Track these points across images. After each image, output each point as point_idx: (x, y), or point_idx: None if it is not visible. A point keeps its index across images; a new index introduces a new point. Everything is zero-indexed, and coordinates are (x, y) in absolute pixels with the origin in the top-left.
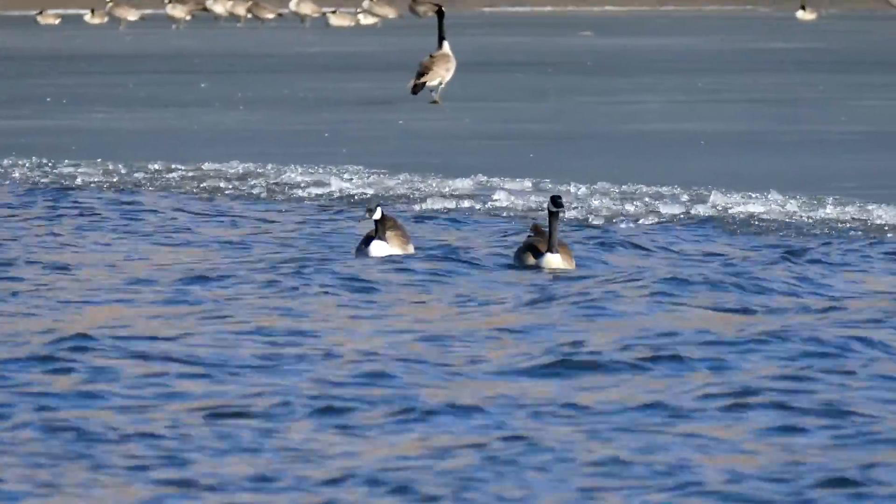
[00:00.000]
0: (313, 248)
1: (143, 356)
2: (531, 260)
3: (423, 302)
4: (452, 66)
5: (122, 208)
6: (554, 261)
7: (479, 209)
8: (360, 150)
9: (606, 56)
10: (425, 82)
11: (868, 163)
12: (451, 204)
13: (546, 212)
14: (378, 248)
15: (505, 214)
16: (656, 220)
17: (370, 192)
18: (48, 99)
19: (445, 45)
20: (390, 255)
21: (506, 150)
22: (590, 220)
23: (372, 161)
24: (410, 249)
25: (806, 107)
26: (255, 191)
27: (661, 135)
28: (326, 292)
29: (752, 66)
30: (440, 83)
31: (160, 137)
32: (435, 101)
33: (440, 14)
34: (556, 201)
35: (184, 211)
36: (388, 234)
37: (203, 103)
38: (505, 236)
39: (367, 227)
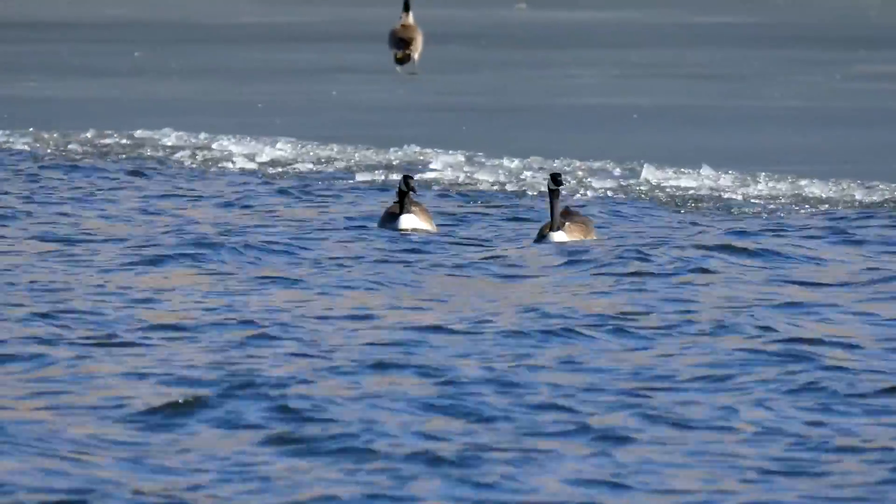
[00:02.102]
0: (239, 219)
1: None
2: (545, 237)
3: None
4: (422, 37)
5: (55, 177)
6: (557, 238)
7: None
8: (294, 121)
9: (541, 29)
10: (410, 53)
11: (802, 139)
12: (383, 176)
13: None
14: (408, 221)
15: (440, 186)
16: (591, 194)
17: (304, 162)
18: None
19: (411, 14)
20: (417, 229)
21: (440, 122)
22: (526, 193)
23: (306, 132)
24: (434, 227)
25: (740, 82)
26: (187, 161)
27: (595, 109)
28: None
29: (688, 41)
30: (418, 55)
31: (93, 107)
32: (414, 73)
33: None
34: (555, 179)
35: (114, 180)
36: (415, 209)
37: (137, 73)
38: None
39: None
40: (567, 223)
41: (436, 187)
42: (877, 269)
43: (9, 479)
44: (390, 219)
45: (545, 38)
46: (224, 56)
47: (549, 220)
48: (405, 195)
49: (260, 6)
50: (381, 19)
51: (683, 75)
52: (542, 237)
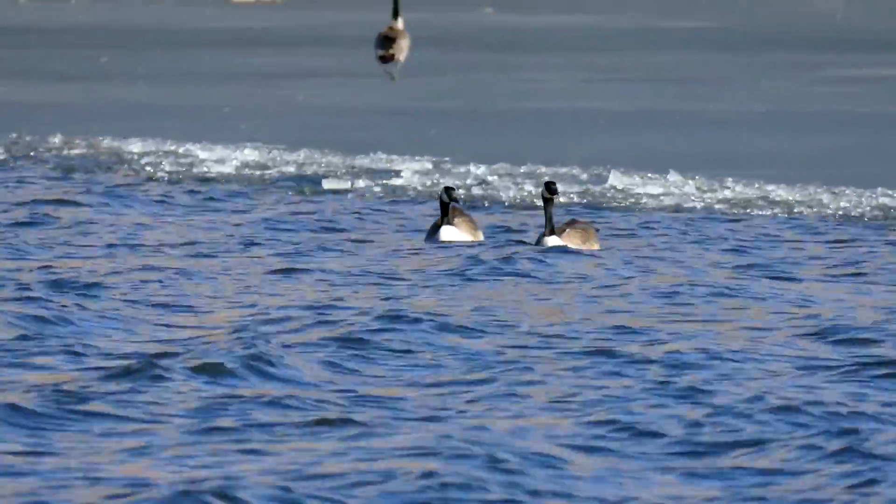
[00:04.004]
0: (210, 226)
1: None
2: (540, 242)
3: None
4: (409, 42)
5: (21, 182)
6: (551, 242)
7: (379, 188)
8: (260, 125)
9: (507, 33)
10: (394, 54)
11: (769, 143)
12: (351, 183)
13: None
14: (448, 233)
15: (408, 193)
16: (562, 199)
17: (271, 167)
18: None
19: (400, 20)
20: (460, 241)
21: (406, 126)
22: (496, 197)
23: (272, 137)
24: (480, 236)
25: (707, 86)
26: (154, 166)
27: (562, 113)
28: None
29: (653, 45)
30: (402, 58)
31: (60, 112)
32: (393, 78)
33: None
34: (549, 188)
35: (82, 184)
36: (457, 220)
37: (103, 78)
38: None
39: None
40: (568, 229)
41: (408, 193)
42: (846, 266)
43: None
44: (434, 231)
45: (512, 42)
46: (190, 61)
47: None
48: (446, 206)
49: (225, 11)
50: (346, 23)
51: (650, 79)
52: (538, 243)
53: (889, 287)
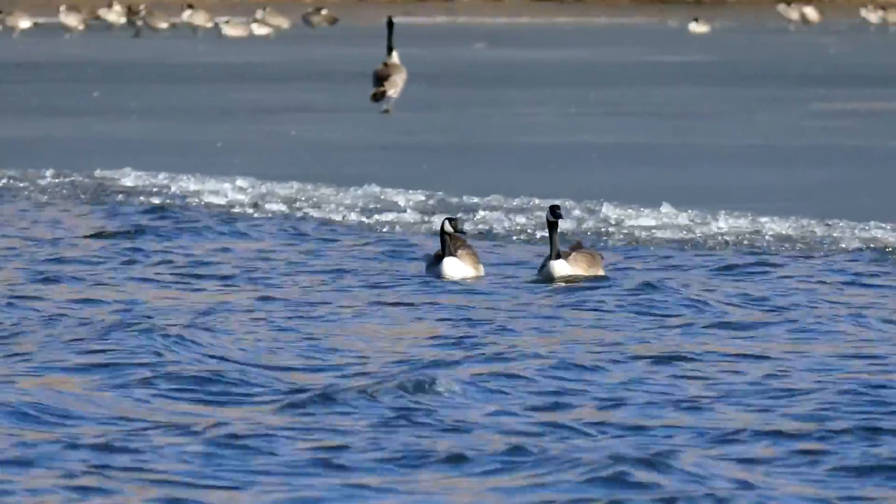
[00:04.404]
0: (206, 256)
1: None
2: (546, 266)
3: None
4: (405, 76)
5: (15, 217)
6: (559, 267)
7: (370, 221)
8: (254, 160)
9: (499, 68)
10: (385, 91)
11: (761, 177)
12: (345, 216)
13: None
14: (451, 267)
15: (401, 227)
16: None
17: (264, 201)
18: None
19: (395, 54)
20: (464, 277)
21: (399, 161)
22: (490, 231)
23: (265, 171)
24: (481, 270)
25: (699, 120)
26: (148, 200)
27: (554, 147)
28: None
29: (646, 79)
30: (395, 93)
31: (53, 146)
32: (387, 111)
33: (390, 24)
34: (554, 211)
35: (77, 218)
36: (461, 252)
37: (96, 112)
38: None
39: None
40: (574, 253)
41: (400, 227)
42: (841, 302)
43: None
44: (435, 263)
45: (504, 76)
46: (183, 95)
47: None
48: (447, 237)
49: (218, 46)
50: (339, 58)
51: (642, 113)
52: (543, 267)
53: (884, 320)
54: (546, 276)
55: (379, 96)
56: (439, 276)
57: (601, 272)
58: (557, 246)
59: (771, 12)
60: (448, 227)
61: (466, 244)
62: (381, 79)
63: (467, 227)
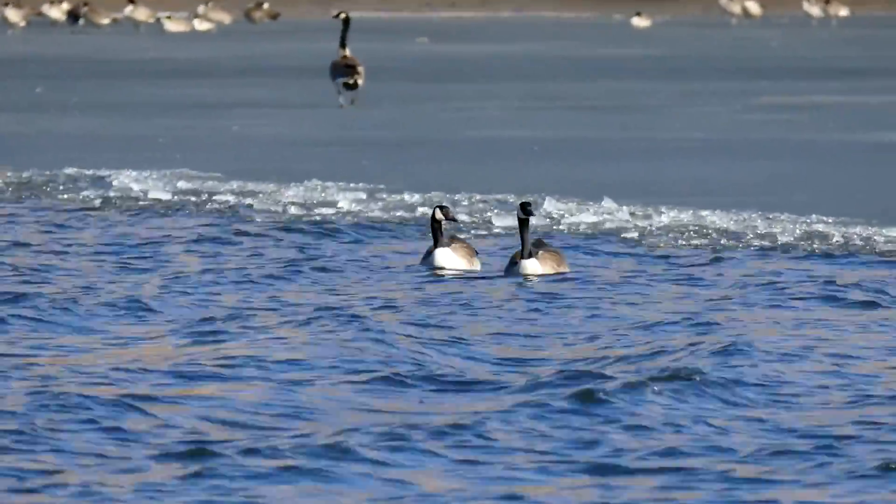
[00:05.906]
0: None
1: None
2: (516, 264)
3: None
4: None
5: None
6: (531, 267)
7: (316, 216)
8: (196, 156)
9: (442, 62)
10: (359, 79)
11: (703, 171)
12: (286, 211)
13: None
14: (443, 257)
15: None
16: (486, 231)
17: (205, 196)
18: None
19: (348, 50)
20: (455, 267)
21: (341, 156)
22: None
23: (207, 167)
24: (476, 265)
25: (641, 114)
26: (88, 197)
27: (496, 142)
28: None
29: (588, 73)
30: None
31: None
32: (353, 102)
33: (346, 20)
34: (525, 208)
35: (15, 215)
36: (455, 244)
37: (38, 108)
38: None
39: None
40: (540, 251)
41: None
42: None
43: None
44: (428, 254)
45: (447, 71)
46: (125, 91)
47: (520, 248)
48: (438, 226)
49: (160, 42)
50: (281, 54)
51: (585, 107)
52: (513, 264)
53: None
54: (516, 275)
55: (355, 85)
56: (431, 266)
57: (567, 269)
58: (529, 244)
59: (714, 6)
60: (439, 215)
61: (459, 237)
62: (350, 67)
63: (401, 214)
